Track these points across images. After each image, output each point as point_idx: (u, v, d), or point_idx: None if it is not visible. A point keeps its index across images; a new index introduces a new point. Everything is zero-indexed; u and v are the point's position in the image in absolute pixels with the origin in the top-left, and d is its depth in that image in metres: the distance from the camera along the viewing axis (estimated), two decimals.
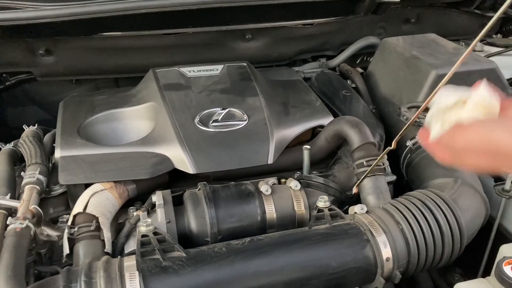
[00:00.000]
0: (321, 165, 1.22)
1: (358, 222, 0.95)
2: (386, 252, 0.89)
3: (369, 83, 1.56)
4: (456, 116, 0.65)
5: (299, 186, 1.05)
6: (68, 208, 1.08)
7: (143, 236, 0.87)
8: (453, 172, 1.08)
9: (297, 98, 1.36)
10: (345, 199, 1.10)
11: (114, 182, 1.04)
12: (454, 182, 1.04)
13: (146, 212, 0.98)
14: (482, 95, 0.64)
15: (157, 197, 1.00)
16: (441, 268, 1.14)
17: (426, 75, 1.31)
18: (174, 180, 1.13)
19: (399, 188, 1.17)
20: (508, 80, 1.43)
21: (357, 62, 1.83)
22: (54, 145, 1.19)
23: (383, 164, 1.07)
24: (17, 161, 1.20)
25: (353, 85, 1.54)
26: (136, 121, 1.26)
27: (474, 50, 1.75)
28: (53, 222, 1.05)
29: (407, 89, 1.38)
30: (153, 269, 0.82)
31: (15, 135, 1.28)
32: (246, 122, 1.18)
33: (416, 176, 1.17)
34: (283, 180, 1.11)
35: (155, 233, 0.87)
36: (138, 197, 1.08)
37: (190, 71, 1.37)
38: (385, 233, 0.91)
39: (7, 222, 0.90)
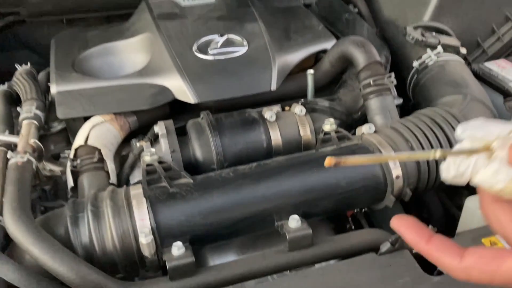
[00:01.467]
0: (325, 91, 1.18)
1: (366, 142, 0.93)
2: (396, 170, 0.87)
3: (372, 7, 1.49)
4: None
5: (304, 111, 1.02)
6: (69, 144, 1.05)
7: (148, 165, 0.85)
8: (462, 89, 1.05)
9: (298, 23, 1.30)
10: (352, 122, 1.07)
11: (114, 114, 1.01)
12: (463, 98, 1.01)
13: (149, 143, 0.95)
14: None
15: (159, 127, 0.97)
16: (449, 190, 1.13)
17: None
18: (175, 113, 1.10)
19: (405, 113, 1.14)
20: None
21: None
22: (49, 83, 1.15)
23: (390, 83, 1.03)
24: (12, 102, 1.17)
25: (356, 10, 1.48)
26: (132, 54, 1.21)
27: None
28: (55, 159, 1.03)
29: (411, 9, 1.32)
30: (161, 196, 0.80)
31: (7, 80, 1.23)
32: (246, 48, 1.13)
33: (423, 96, 1.14)
34: (287, 108, 1.08)
35: (160, 162, 0.85)
36: (140, 130, 1.05)
37: (184, 0, 1.30)
38: (394, 151, 0.89)
39: (8, 157, 0.88)
